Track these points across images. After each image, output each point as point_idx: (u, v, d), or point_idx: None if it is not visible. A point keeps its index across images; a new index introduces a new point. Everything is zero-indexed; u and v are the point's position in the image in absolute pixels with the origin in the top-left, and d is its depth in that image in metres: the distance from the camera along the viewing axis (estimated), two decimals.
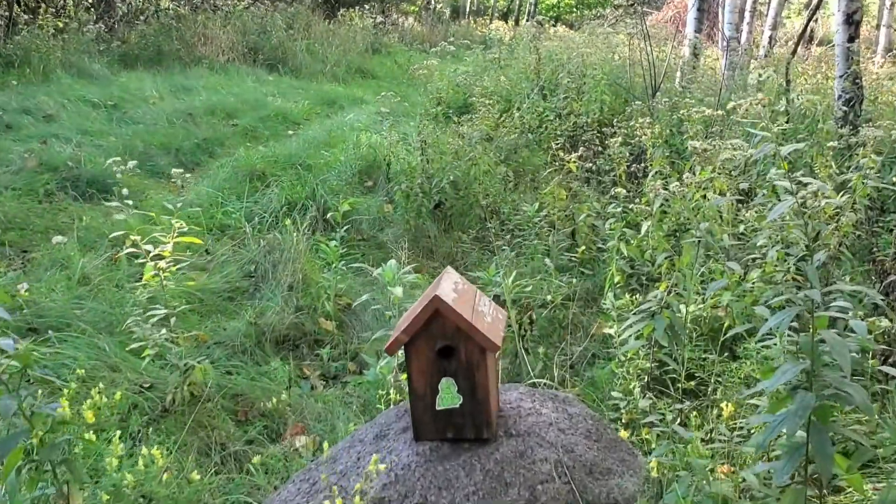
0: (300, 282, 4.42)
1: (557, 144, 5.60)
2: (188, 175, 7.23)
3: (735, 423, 2.96)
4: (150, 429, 3.10)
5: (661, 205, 4.07)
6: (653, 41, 9.12)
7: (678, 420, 2.91)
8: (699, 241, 3.05)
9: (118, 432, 2.63)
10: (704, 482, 2.33)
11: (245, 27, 14.98)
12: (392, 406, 2.82)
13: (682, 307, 3.25)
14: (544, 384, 3.28)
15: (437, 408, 2.38)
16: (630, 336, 3.23)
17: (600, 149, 6.45)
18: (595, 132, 6.92)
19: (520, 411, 2.57)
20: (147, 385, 3.40)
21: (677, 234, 4.34)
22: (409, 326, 2.31)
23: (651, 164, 5.22)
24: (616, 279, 3.98)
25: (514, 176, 6.71)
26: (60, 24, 11.52)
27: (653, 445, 2.89)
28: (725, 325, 3.74)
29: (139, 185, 6.49)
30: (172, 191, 6.69)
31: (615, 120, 6.98)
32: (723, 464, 2.57)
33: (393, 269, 3.19)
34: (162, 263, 3.36)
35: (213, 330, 4.10)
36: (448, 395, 2.37)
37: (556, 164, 5.60)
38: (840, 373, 1.88)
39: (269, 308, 4.33)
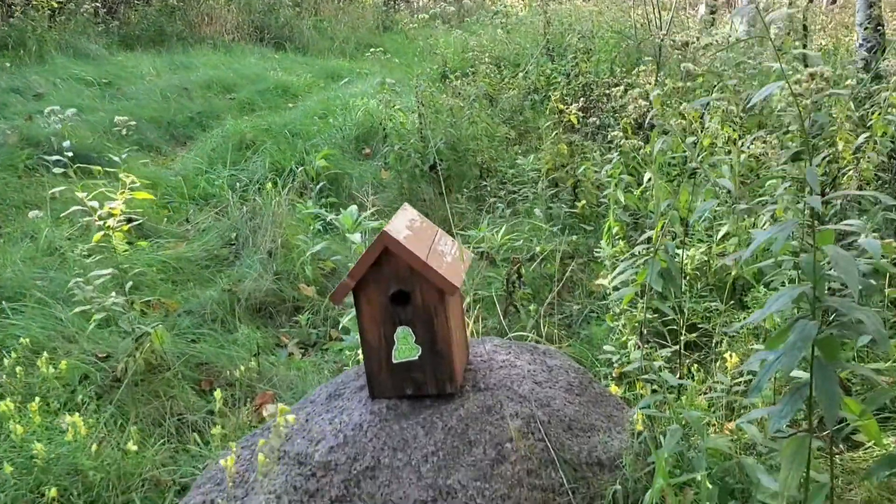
0: (279, 247, 4.16)
1: (556, 96, 5.28)
2: (176, 148, 7.05)
3: (741, 378, 2.66)
4: (99, 400, 2.85)
5: (662, 148, 3.75)
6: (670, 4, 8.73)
7: (677, 374, 2.61)
8: (694, 172, 2.73)
9: (37, 400, 2.39)
10: (699, 436, 2.04)
11: (251, 6, 14.70)
12: (353, 367, 2.55)
13: (679, 251, 2.93)
14: (529, 339, 2.99)
15: (394, 360, 2.10)
16: (623, 285, 2.93)
17: (606, 112, 6.12)
18: (603, 92, 6.58)
19: (491, 364, 2.29)
20: (103, 355, 3.15)
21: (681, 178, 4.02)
22: (355, 269, 2.03)
23: (655, 115, 4.88)
24: (614, 230, 3.67)
25: (517, 137, 6.40)
26: (55, 5, 11.29)
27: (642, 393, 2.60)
28: (732, 274, 3.43)
29: (126, 158, 6.25)
30: (162, 164, 6.46)
31: (625, 80, 6.64)
32: (728, 419, 2.27)
33: (352, 215, 2.90)
34: (111, 222, 3.10)
35: (185, 298, 3.85)
36: (405, 347, 2.09)
37: (557, 117, 5.28)
38: (849, 298, 1.58)
39: (247, 275, 4.08)
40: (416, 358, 2.10)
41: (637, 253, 2.80)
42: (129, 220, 4.97)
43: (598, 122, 5.71)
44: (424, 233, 2.16)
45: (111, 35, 12.30)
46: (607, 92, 5.85)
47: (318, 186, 4.53)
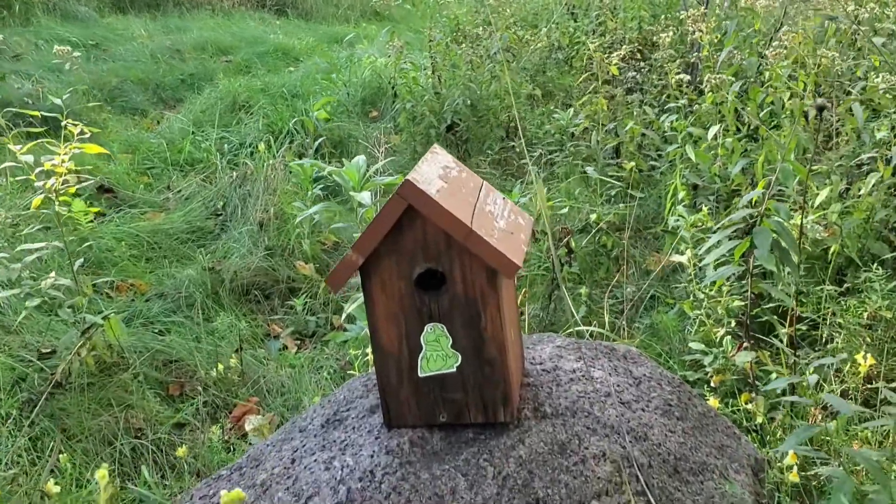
0: (272, 217, 3.48)
1: (594, 45, 4.56)
2: (165, 111, 6.37)
3: (878, 384, 1.99)
4: (32, 412, 2.19)
5: (735, 97, 3.06)
6: None
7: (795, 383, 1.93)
8: (809, 112, 2.03)
9: None
10: (877, 486, 1.37)
11: None
12: (363, 374, 1.88)
13: (793, 216, 2.25)
14: (592, 334, 2.31)
15: (420, 374, 1.43)
16: (713, 263, 2.25)
17: (645, 66, 5.40)
18: (636, 48, 5.86)
19: (558, 376, 1.61)
20: (47, 351, 2.49)
21: (756, 137, 3.32)
22: (364, 239, 1.35)
23: (707, 67, 4.16)
24: (681, 195, 2.97)
25: (542, 96, 5.70)
26: None
27: (759, 419, 1.92)
28: (833, 249, 2.75)
29: (105, 119, 5.58)
30: (148, 127, 5.78)
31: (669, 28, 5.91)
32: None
33: (359, 168, 2.20)
34: (54, 183, 2.42)
35: (158, 279, 3.18)
36: (437, 354, 1.42)
37: (597, 65, 4.56)
38: None
39: (233, 251, 3.41)
40: (454, 370, 1.42)
41: (738, 220, 2.11)
42: (101, 188, 4.33)
43: (637, 77, 5.00)
44: (465, 185, 1.47)
45: None
46: (652, 39, 5.12)
47: (316, 143, 3.83)
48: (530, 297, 2.92)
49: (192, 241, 3.61)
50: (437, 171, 1.43)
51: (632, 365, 1.74)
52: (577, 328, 2.32)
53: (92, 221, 3.50)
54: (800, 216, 2.17)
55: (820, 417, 1.99)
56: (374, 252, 1.37)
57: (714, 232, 2.24)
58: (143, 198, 4.06)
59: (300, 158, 4.44)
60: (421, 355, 1.42)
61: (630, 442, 1.45)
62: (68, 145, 2.46)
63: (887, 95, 2.64)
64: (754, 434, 1.91)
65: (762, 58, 2.92)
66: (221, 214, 3.85)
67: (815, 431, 1.39)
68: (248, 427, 2.35)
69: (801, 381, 1.60)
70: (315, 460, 1.43)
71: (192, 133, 4.88)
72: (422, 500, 1.34)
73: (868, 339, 2.42)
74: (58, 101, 2.56)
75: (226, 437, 2.33)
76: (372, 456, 1.41)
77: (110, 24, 9.56)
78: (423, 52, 6.49)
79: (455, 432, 1.46)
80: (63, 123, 2.47)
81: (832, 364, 2.16)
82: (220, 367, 2.52)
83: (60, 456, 1.92)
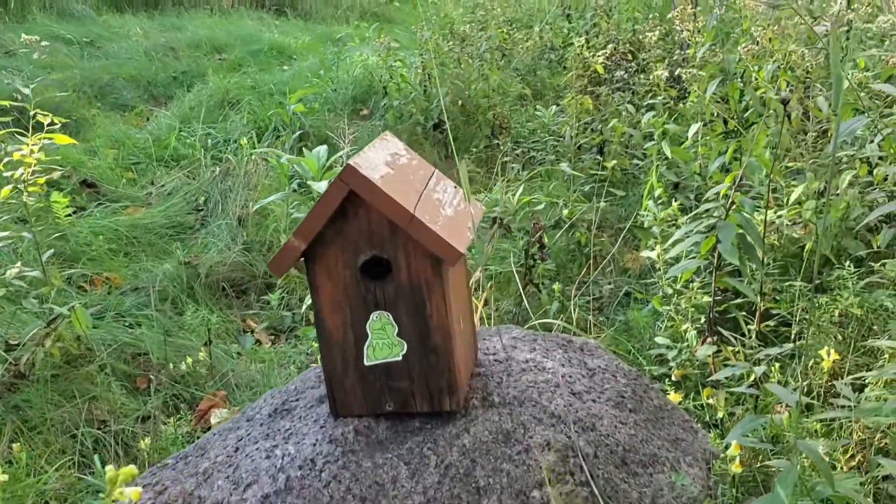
0: (251, 213, 3.47)
1: (580, 43, 4.56)
2: (156, 108, 6.36)
3: (843, 380, 1.97)
4: None
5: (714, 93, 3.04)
6: None
7: (754, 378, 1.91)
8: (780, 106, 2.01)
9: None
10: (822, 480, 1.35)
11: None
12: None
13: (757, 213, 2.23)
14: (557, 327, 2.30)
15: (366, 362, 1.42)
16: (681, 256, 2.24)
17: (633, 66, 5.39)
18: (627, 50, 5.85)
19: (510, 366, 1.60)
20: (15, 342, 2.48)
21: (737, 133, 3.30)
22: (305, 224, 1.35)
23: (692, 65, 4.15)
24: (657, 192, 2.96)
25: (533, 96, 5.70)
26: None
27: (719, 414, 1.91)
28: (808, 247, 2.73)
29: (94, 115, 5.58)
30: (136, 124, 5.77)
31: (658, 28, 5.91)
32: (843, 443, 1.59)
33: (318, 158, 2.19)
34: (22, 173, 2.40)
35: (134, 273, 3.17)
36: (382, 342, 1.41)
37: (581, 65, 4.55)
38: None
39: (211, 245, 3.39)
40: (400, 358, 1.41)
41: (702, 214, 2.10)
42: (84, 182, 4.32)
43: (625, 76, 4.99)
44: (414, 173, 1.46)
45: None
46: (640, 38, 5.11)
47: (294, 136, 3.82)
48: (505, 294, 2.91)
49: (171, 236, 3.60)
50: (384, 158, 1.42)
51: (587, 357, 1.73)
52: (540, 321, 2.31)
53: (70, 215, 3.49)
54: (765, 211, 2.16)
55: (785, 413, 1.97)
56: (319, 238, 1.36)
57: (680, 227, 2.23)
58: (125, 193, 4.05)
59: (300, 151, 4.43)
60: (367, 344, 1.42)
61: (576, 432, 1.44)
62: (37, 135, 2.45)
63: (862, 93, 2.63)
64: (715, 429, 1.90)
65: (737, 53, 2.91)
66: (202, 209, 3.84)
67: (761, 422, 1.38)
68: (213, 420, 2.34)
69: (748, 371, 1.58)
70: (257, 448, 1.42)
71: (179, 129, 4.87)
72: (362, 488, 1.33)
73: (839, 337, 2.41)
74: (27, 91, 2.53)
75: (191, 430, 2.32)
76: (314, 444, 1.40)
77: (106, 22, 9.56)
78: (414, 51, 6.49)
79: (401, 421, 1.45)
80: (31, 113, 2.46)
81: (794, 357, 2.15)
82: (189, 360, 2.51)
83: (14, 445, 1.91)
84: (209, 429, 2.33)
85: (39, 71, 6.68)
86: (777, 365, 2.13)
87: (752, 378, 1.87)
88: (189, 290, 3.08)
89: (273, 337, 2.98)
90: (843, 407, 1.49)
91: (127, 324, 2.76)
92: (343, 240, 1.36)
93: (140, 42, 8.35)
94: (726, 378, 1.98)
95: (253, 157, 3.77)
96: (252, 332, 2.99)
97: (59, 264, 3.13)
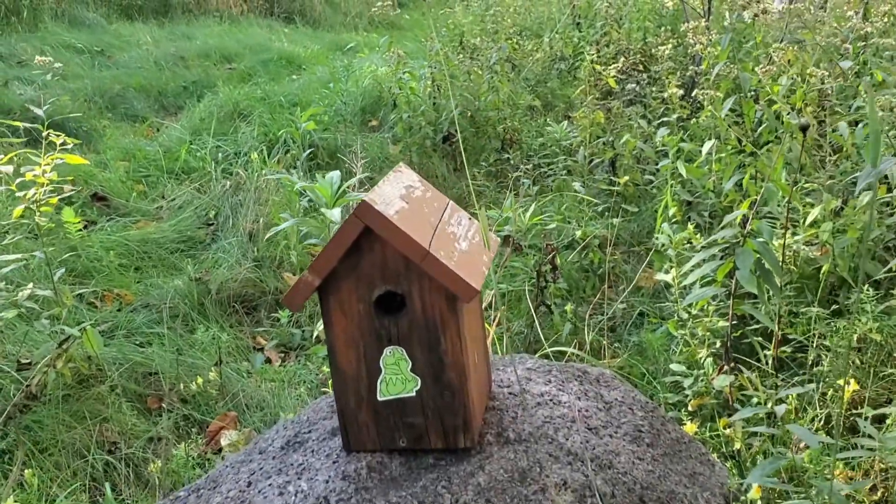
0: (262, 228, 3.46)
1: (591, 56, 4.53)
2: (166, 119, 6.36)
3: (863, 411, 1.95)
4: (6, 424, 2.17)
5: (728, 114, 3.02)
6: None
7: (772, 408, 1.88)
8: (797, 130, 1.98)
9: None
10: None
11: None
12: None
13: (776, 238, 2.21)
14: (570, 355, 2.27)
15: (379, 398, 1.40)
16: (696, 282, 2.21)
17: (645, 78, 5.36)
18: (638, 60, 5.82)
19: (525, 400, 1.58)
20: (27, 362, 2.47)
21: (753, 152, 3.28)
22: (320, 259, 1.33)
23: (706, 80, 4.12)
24: (671, 211, 2.94)
25: (543, 107, 5.68)
26: None
27: (736, 445, 1.88)
28: (824, 269, 2.70)
29: (104, 126, 5.59)
30: (146, 135, 5.78)
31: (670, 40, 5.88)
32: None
33: (332, 184, 2.18)
34: (34, 193, 2.40)
35: (145, 289, 3.16)
36: (396, 377, 1.39)
37: (592, 80, 4.52)
38: None
39: (222, 261, 3.38)
40: (414, 394, 1.39)
41: (720, 240, 2.07)
42: (95, 196, 4.32)
43: (637, 89, 4.96)
44: (429, 206, 1.44)
45: (111, 5, 11.64)
46: (652, 51, 5.08)
47: (305, 153, 3.81)
48: (516, 314, 2.89)
49: (182, 251, 3.59)
50: (398, 191, 1.40)
51: (604, 389, 1.70)
52: (550, 349, 2.28)
53: (81, 230, 3.49)
54: (783, 236, 2.13)
55: (802, 445, 1.94)
56: (333, 273, 1.34)
57: (698, 251, 2.20)
58: (136, 206, 4.05)
59: (295, 167, 4.42)
60: (380, 379, 1.40)
61: (593, 470, 1.42)
62: (49, 155, 2.44)
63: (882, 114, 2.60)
64: (732, 461, 1.87)
65: (755, 73, 2.88)
66: (213, 224, 3.83)
67: (782, 464, 1.35)
68: (223, 442, 2.33)
69: (770, 411, 1.56)
70: (270, 484, 1.40)
71: (189, 141, 4.87)
72: None
73: (857, 362, 2.38)
74: (39, 112, 2.53)
75: (201, 453, 2.30)
76: (327, 481, 1.38)
77: (117, 31, 9.59)
78: (423, 62, 6.48)
79: (416, 457, 1.43)
80: (45, 133, 2.46)
81: (812, 390, 2.12)
82: (200, 380, 2.49)
83: (26, 470, 1.90)
84: (220, 450, 2.32)
85: (50, 81, 6.70)
86: (807, 389, 2.10)
87: (770, 406, 1.85)
88: (200, 307, 3.07)
89: (283, 354, 2.97)
90: (867, 447, 1.46)
91: (138, 342, 2.75)
92: (357, 275, 1.35)
93: (150, 51, 8.37)
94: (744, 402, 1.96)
95: (263, 172, 3.75)
96: (262, 349, 2.97)
97: (70, 281, 3.13)
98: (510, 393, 1.60)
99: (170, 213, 4.03)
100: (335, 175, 2.23)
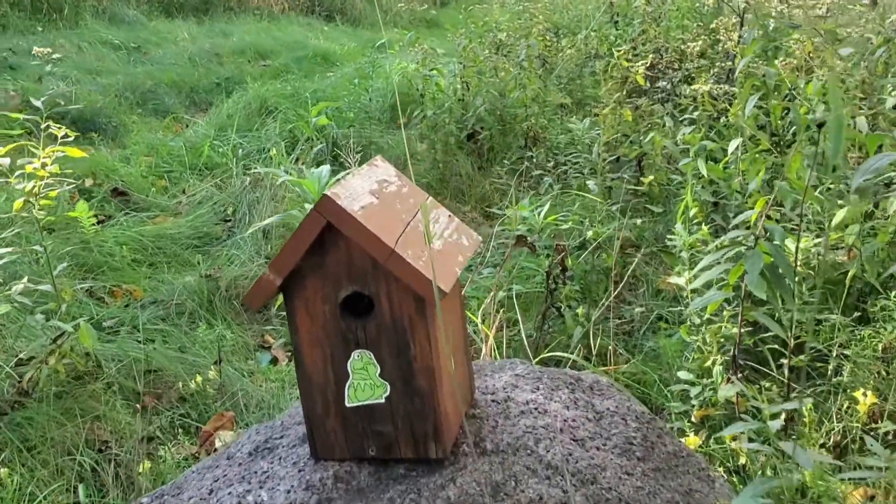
0: (277, 225, 3.41)
1: (621, 52, 4.41)
2: (196, 115, 6.38)
3: (880, 425, 1.83)
4: None
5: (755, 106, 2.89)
6: None
7: (784, 421, 1.77)
8: (821, 125, 1.86)
9: None
10: None
11: None
12: None
13: (789, 241, 2.09)
14: (571, 361, 2.17)
15: (348, 404, 1.33)
16: (708, 286, 2.10)
17: (677, 76, 5.21)
18: (673, 58, 5.67)
19: (508, 408, 1.50)
20: (27, 359, 2.44)
21: (778, 151, 3.15)
22: (280, 257, 1.26)
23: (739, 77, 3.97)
24: (692, 211, 2.82)
25: (573, 105, 5.56)
26: None
27: (741, 459, 1.77)
28: (850, 273, 2.56)
29: (134, 122, 5.61)
30: (175, 130, 5.79)
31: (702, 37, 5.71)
32: None
33: (320, 179, 2.10)
34: (32, 186, 2.37)
35: (154, 285, 3.14)
36: (364, 382, 1.32)
37: (620, 77, 4.40)
38: None
39: (235, 258, 3.35)
40: (383, 400, 1.32)
41: (728, 242, 1.96)
42: (115, 190, 4.32)
43: (668, 87, 4.83)
44: (403, 202, 1.37)
45: (153, 2, 11.78)
46: (682, 47, 4.94)
47: (314, 149, 3.76)
48: (528, 316, 2.80)
49: (197, 247, 3.57)
50: (368, 186, 1.33)
51: (596, 398, 1.61)
52: (550, 354, 2.19)
53: (97, 224, 3.48)
54: (797, 239, 2.01)
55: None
56: (297, 271, 1.28)
57: (708, 253, 2.09)
58: (155, 201, 4.04)
59: (318, 164, 4.37)
60: (348, 384, 1.32)
61: (574, 485, 1.33)
62: (50, 148, 2.41)
63: None
64: (738, 476, 1.76)
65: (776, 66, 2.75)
66: (230, 220, 3.80)
67: (773, 485, 1.25)
68: (217, 443, 2.28)
69: (763, 427, 1.45)
70: (230, 493, 1.33)
71: (213, 138, 4.86)
72: None
73: (883, 373, 2.25)
74: (38, 104, 2.50)
75: (196, 454, 2.26)
76: (289, 491, 1.31)
77: (156, 28, 9.68)
78: (454, 59, 6.41)
79: (386, 467, 1.36)
80: (43, 126, 2.43)
81: (831, 395, 2.00)
82: (199, 378, 2.45)
83: (2, 470, 1.87)
84: (215, 451, 2.27)
85: (85, 76, 6.77)
86: (810, 403, 1.99)
87: (778, 417, 1.74)
88: (208, 305, 3.03)
89: (290, 353, 2.91)
90: (875, 468, 1.34)
91: (141, 339, 2.72)
92: (322, 274, 1.28)
93: (186, 48, 8.42)
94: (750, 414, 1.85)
95: (282, 168, 3.71)
96: (270, 348, 2.93)
97: (81, 275, 3.11)
98: (493, 400, 1.52)
99: (189, 208, 4.01)
100: (325, 169, 2.16)
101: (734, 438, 1.80)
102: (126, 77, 6.69)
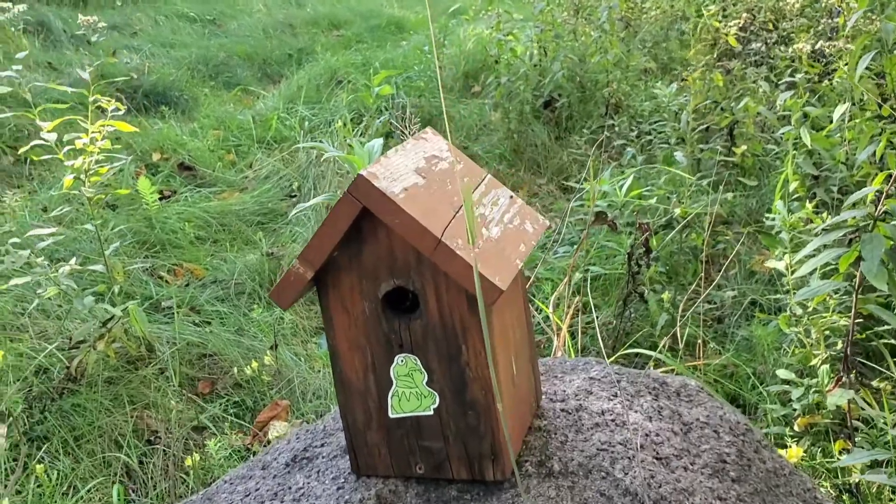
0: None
1: (711, 11, 4.08)
2: (268, 87, 6.29)
3: None
4: (43, 410, 2.05)
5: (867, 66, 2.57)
6: None
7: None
8: None
9: None
10: None
11: None
12: None
13: None
14: (653, 359, 1.94)
15: (392, 415, 1.15)
16: (813, 272, 1.84)
17: (773, 37, 4.83)
18: (768, 18, 5.27)
19: (580, 419, 1.29)
20: (78, 341, 2.35)
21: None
22: (311, 248, 1.08)
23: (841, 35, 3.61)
24: (792, 185, 2.53)
25: (658, 70, 5.24)
26: None
27: (854, 478, 1.53)
28: None
29: (205, 95, 5.55)
30: (246, 103, 5.71)
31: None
32: None
33: (370, 153, 1.92)
34: (81, 163, 2.26)
35: (216, 264, 3.03)
36: (409, 390, 1.14)
37: (711, 38, 4.07)
38: None
39: (299, 236, 3.21)
40: (431, 412, 1.14)
41: (839, 225, 1.70)
42: (182, 165, 4.25)
43: (763, 48, 4.46)
44: (455, 182, 1.17)
45: None
46: (780, 4, 4.55)
47: (376, 121, 3.58)
48: (607, 302, 2.58)
49: (261, 224, 3.45)
50: (414, 164, 1.13)
51: (684, 406, 1.39)
52: (628, 351, 1.96)
53: (159, 200, 3.40)
54: None
55: None
56: (331, 263, 1.10)
57: (816, 235, 1.83)
58: (221, 176, 3.94)
59: (388, 136, 4.20)
60: (391, 392, 1.15)
61: None
62: (99, 122, 2.30)
63: None
64: (849, 496, 1.52)
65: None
66: (296, 196, 3.68)
67: None
68: (271, 434, 2.15)
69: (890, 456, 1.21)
70: None
71: (282, 110, 4.74)
72: None
73: None
74: (85, 76, 2.39)
75: (248, 445, 2.13)
76: None
77: (232, 0, 9.66)
78: (529, 23, 6.13)
79: (436, 487, 1.18)
80: (91, 99, 2.32)
81: None
82: (255, 364, 2.32)
83: (38, 466, 1.77)
84: (268, 443, 2.14)
85: (159, 49, 6.76)
86: None
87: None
88: (270, 284, 2.90)
89: None
90: None
91: (198, 321, 2.61)
92: (359, 266, 1.10)
93: (260, 19, 8.35)
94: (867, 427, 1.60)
95: (348, 140, 3.55)
96: None
97: (142, 253, 3.03)
98: (563, 410, 1.32)
99: (255, 183, 3.90)
100: (377, 143, 1.98)
101: (844, 450, 1.56)
102: (199, 50, 6.65)
